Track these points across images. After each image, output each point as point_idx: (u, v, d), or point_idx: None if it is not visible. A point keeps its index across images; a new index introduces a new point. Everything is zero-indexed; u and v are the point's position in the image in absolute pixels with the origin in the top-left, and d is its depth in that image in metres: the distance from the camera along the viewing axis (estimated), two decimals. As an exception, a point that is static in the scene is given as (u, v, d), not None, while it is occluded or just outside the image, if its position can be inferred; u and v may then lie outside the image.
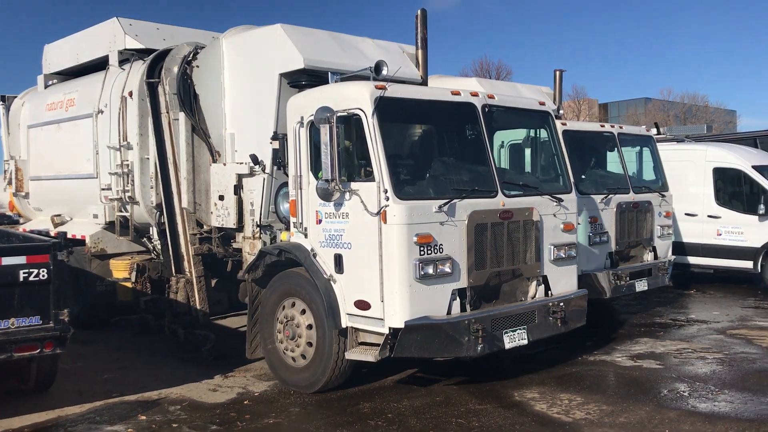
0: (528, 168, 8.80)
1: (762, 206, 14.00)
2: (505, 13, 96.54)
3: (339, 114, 6.95)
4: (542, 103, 8.59)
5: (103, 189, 10.83)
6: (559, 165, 8.63)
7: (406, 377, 8.30)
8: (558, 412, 7.08)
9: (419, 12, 8.88)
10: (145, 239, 10.95)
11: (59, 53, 12.68)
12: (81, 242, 11.43)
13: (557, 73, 11.90)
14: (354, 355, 7.27)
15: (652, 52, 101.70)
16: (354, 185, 7.10)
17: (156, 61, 9.84)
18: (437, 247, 7.03)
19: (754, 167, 14.66)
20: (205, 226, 9.49)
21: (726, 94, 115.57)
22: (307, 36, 8.54)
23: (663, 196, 11.84)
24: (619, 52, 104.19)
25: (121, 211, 10.67)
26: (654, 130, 13.23)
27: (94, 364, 9.16)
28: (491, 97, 7.93)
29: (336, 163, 6.92)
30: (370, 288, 7.03)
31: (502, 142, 9.66)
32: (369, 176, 7.03)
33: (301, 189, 7.71)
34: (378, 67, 7.43)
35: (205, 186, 9.46)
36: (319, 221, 7.53)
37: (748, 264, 14.25)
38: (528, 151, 8.59)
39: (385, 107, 7.01)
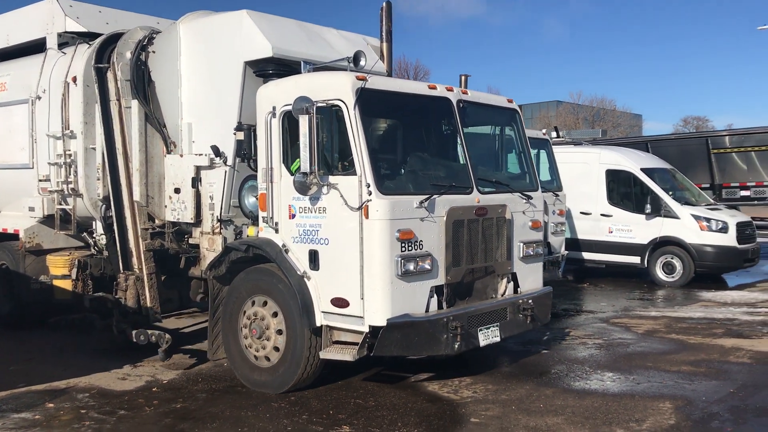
0: (493, 165, 8.74)
1: (648, 206, 15.10)
2: (424, 13, 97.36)
3: (318, 105, 6.70)
4: (510, 101, 8.57)
5: (41, 180, 10.16)
6: (525, 163, 8.64)
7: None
8: (448, 391, 7.56)
9: (384, 5, 8.68)
10: (85, 234, 10.33)
11: (-14, 34, 11.83)
12: (13, 237, 10.73)
13: (462, 78, 11.18)
14: (329, 354, 7.03)
15: (565, 56, 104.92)
16: (333, 179, 6.87)
17: (105, 45, 9.28)
18: (417, 244, 6.88)
19: (642, 170, 15.74)
20: (157, 221, 9.02)
21: (632, 98, 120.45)
22: (274, 24, 8.23)
23: (557, 195, 12.66)
24: (532, 55, 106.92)
25: (61, 204, 10.03)
26: (554, 133, 14.09)
27: (-1, 357, 8.83)
28: (464, 92, 7.84)
29: (315, 155, 6.67)
30: (348, 285, 6.81)
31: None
32: (349, 170, 6.81)
33: (272, 182, 7.41)
34: (356, 57, 7.23)
35: (158, 178, 8.98)
36: (293, 216, 7.25)
37: (636, 259, 15.41)
38: (495, 148, 8.53)
39: (366, 99, 6.81)
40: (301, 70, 7.90)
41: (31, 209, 10.28)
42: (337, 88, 6.84)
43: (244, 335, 7.68)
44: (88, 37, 10.42)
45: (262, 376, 7.55)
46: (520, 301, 7.94)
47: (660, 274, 15.19)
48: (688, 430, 6.37)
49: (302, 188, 6.82)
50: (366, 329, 6.75)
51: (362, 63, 7.25)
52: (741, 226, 15.02)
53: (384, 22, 8.84)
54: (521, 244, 8.13)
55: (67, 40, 10.47)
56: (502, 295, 7.93)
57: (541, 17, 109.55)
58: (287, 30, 8.32)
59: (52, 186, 10.06)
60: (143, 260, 9.01)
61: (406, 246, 6.77)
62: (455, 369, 8.29)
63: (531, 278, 8.36)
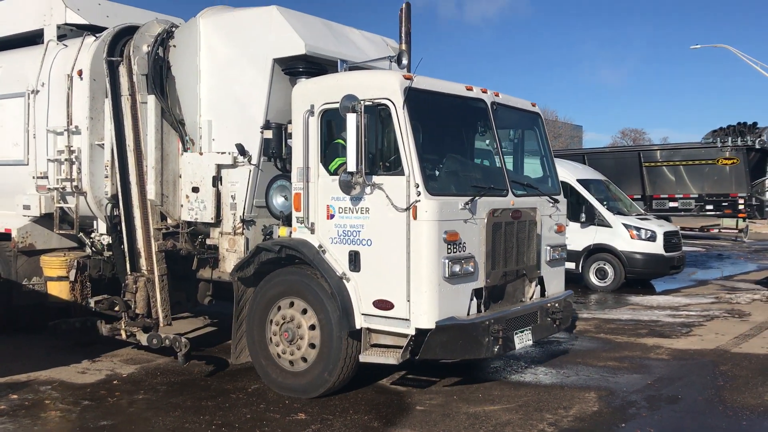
0: (521, 168, 8.74)
1: (583, 215, 15.66)
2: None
3: (366, 103, 6.58)
4: (533, 105, 8.60)
5: (39, 177, 9.73)
6: (548, 166, 8.67)
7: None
8: (394, 383, 7.92)
9: (404, 6, 8.56)
10: (81, 234, 9.93)
11: (-29, 25, 11.31)
12: (4, 236, 10.25)
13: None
14: (370, 357, 6.90)
15: (508, 65, 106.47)
16: (377, 179, 6.75)
17: (116, 38, 8.96)
18: (461, 246, 6.83)
19: (578, 180, 16.28)
20: (170, 221, 8.73)
21: (573, 110, 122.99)
22: (303, 21, 8.08)
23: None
24: (471, 62, 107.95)
25: (60, 203, 9.63)
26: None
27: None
28: (497, 95, 7.82)
29: (361, 154, 6.54)
30: (393, 287, 6.70)
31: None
32: (395, 170, 6.71)
33: (308, 182, 7.24)
34: (400, 57, 7.15)
35: (173, 176, 8.70)
36: (331, 216, 7.10)
37: (572, 265, 15.61)
38: (521, 151, 8.54)
39: (412, 98, 6.72)
40: (328, 70, 7.85)
41: (26, 207, 9.84)
42: (385, 87, 6.74)
43: (274, 339, 7.47)
44: (87, 30, 10.07)
45: (293, 380, 7.37)
46: (548, 304, 7.96)
47: (593, 279, 15.78)
48: (608, 416, 6.99)
49: (347, 188, 6.68)
50: (411, 332, 6.65)
51: (404, 62, 7.17)
52: (668, 236, 15.70)
53: (403, 24, 8.72)
54: (548, 248, 8.16)
55: (65, 33, 10.09)
56: (531, 299, 7.92)
57: (487, 26, 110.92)
58: (316, 28, 8.18)
59: (50, 183, 9.65)
60: (155, 261, 8.71)
61: (452, 248, 6.71)
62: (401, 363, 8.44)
63: (555, 282, 8.40)
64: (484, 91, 7.63)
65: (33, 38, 10.73)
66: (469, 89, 7.47)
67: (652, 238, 15.40)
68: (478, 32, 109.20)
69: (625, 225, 15.53)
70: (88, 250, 9.99)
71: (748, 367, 8.79)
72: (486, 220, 7.06)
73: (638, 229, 15.49)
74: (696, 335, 10.88)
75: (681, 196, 23.72)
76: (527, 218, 7.70)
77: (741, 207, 22.72)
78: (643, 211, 17.95)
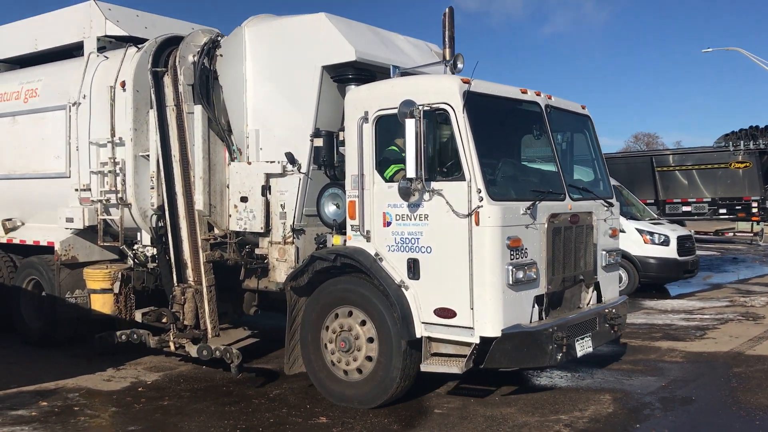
0: (569, 172, 8.59)
1: None
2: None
3: (426, 109, 6.47)
4: (583, 107, 8.46)
5: (81, 190, 9.69)
6: (599, 169, 8.52)
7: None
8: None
9: (447, 10, 8.46)
10: (123, 246, 9.87)
11: (8, 39, 11.33)
12: (46, 249, 10.23)
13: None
14: (432, 367, 6.78)
15: (522, 68, 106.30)
16: (436, 185, 6.64)
17: (161, 48, 8.92)
18: (523, 252, 6.70)
19: None
20: (218, 231, 8.65)
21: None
22: (351, 27, 8.00)
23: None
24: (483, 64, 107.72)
25: (103, 215, 9.58)
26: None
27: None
28: (549, 98, 7.70)
29: (421, 160, 6.43)
30: (455, 295, 6.58)
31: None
32: (454, 175, 6.59)
33: (363, 189, 7.14)
34: (455, 61, 7.04)
35: (220, 186, 8.63)
36: (388, 224, 6.99)
37: None
38: (574, 155, 8.38)
39: (471, 102, 6.61)
40: (377, 76, 7.76)
41: (69, 220, 9.79)
42: (443, 92, 6.63)
43: (329, 346, 7.37)
44: (126, 41, 10.05)
45: (350, 390, 7.25)
46: (606, 310, 7.80)
47: None
48: (623, 417, 7.06)
49: (406, 194, 6.57)
50: (475, 340, 6.52)
51: (460, 66, 7.07)
52: (681, 240, 15.50)
53: (447, 28, 8.62)
54: (604, 253, 8.00)
55: (104, 45, 10.07)
56: (588, 305, 7.77)
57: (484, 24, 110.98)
58: (363, 34, 8.10)
59: (93, 195, 9.61)
60: (203, 272, 8.63)
61: (515, 254, 6.58)
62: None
63: (611, 287, 8.24)
64: (538, 94, 7.51)
65: (70, 51, 10.75)
66: (524, 92, 7.35)
67: (666, 242, 15.20)
68: (480, 34, 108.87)
69: (639, 230, 15.27)
70: (130, 262, 9.93)
71: (762, 369, 8.79)
72: (546, 226, 6.93)
73: (651, 233, 15.27)
74: (710, 338, 10.85)
75: (694, 200, 23.63)
76: (584, 223, 7.56)
77: (755, 210, 22.58)
78: (656, 216, 17.70)
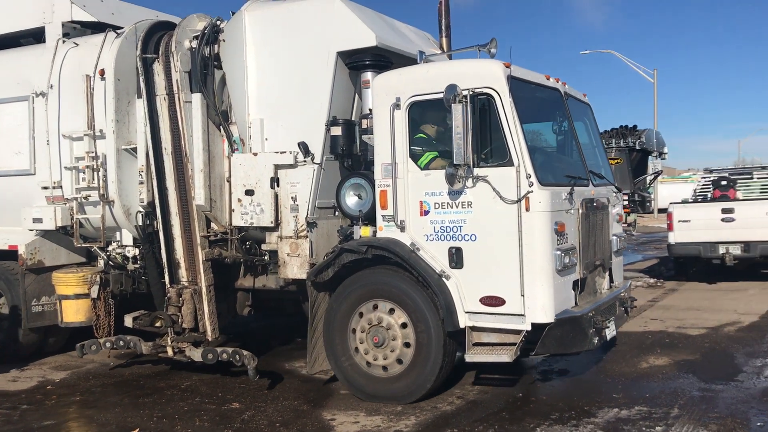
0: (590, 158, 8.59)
1: None
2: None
3: (470, 93, 6.34)
4: (584, 95, 8.57)
5: (53, 188, 8.93)
6: (602, 156, 8.65)
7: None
8: (319, 373, 7.91)
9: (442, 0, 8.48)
10: (95, 248, 9.19)
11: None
12: (5, 254, 9.37)
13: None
14: (479, 357, 6.65)
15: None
16: (480, 171, 6.51)
17: (148, 34, 8.34)
18: (565, 237, 6.68)
19: None
20: (217, 227, 8.18)
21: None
22: (365, 13, 7.75)
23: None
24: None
25: (78, 214, 8.87)
26: None
27: None
28: (564, 84, 7.74)
29: (469, 146, 6.30)
30: (504, 282, 6.48)
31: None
32: (500, 161, 6.49)
33: (396, 178, 6.92)
34: (490, 45, 6.95)
35: (219, 180, 8.16)
36: (425, 213, 6.81)
37: None
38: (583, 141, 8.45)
39: (512, 87, 6.53)
40: (393, 62, 7.58)
41: (38, 221, 8.98)
42: (485, 76, 6.52)
43: (361, 348, 7.09)
44: (92, 27, 9.38)
45: (384, 386, 7.02)
46: (622, 294, 7.93)
47: None
48: (510, 386, 7.64)
49: (452, 181, 6.41)
50: (527, 327, 6.44)
51: (493, 51, 6.98)
52: None
53: (443, 17, 8.61)
54: (615, 238, 8.12)
55: (68, 31, 9.34)
56: (606, 290, 7.86)
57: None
58: (375, 19, 7.87)
59: (66, 193, 8.88)
60: (202, 271, 8.16)
61: (561, 239, 6.56)
62: None
63: (619, 272, 8.38)
64: (557, 80, 7.53)
65: (17, 38, 9.92)
66: (548, 78, 7.34)
67: None
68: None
69: None
70: (101, 264, 9.26)
71: (627, 342, 9.46)
72: (581, 211, 6.95)
73: None
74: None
75: None
76: (603, 208, 7.64)
77: (626, 203, 23.83)
78: None
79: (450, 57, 8.28)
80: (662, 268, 18.05)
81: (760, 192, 16.34)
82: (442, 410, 6.77)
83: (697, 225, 14.59)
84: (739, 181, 16.47)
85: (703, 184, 17.30)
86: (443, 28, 8.64)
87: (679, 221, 14.77)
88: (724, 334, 9.98)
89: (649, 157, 22.96)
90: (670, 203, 15.50)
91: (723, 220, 14.41)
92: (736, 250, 14.28)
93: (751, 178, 16.74)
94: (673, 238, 14.73)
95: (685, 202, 16.18)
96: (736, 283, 14.83)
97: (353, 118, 7.79)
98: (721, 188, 16.03)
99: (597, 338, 6.87)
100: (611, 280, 8.08)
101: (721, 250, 14.35)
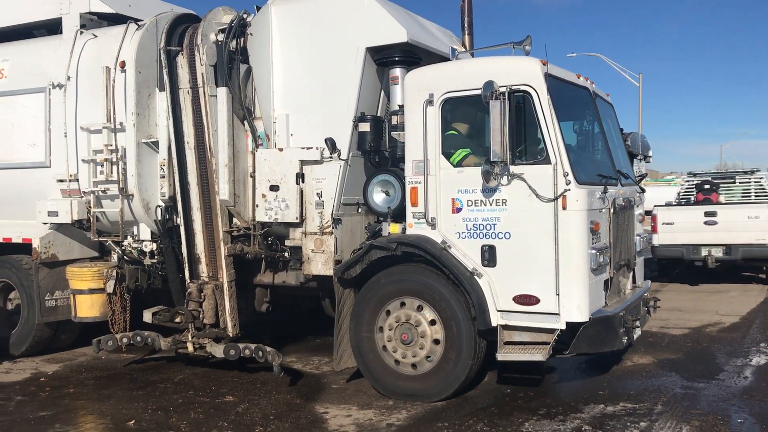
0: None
1: None
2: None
3: (508, 90, 6.30)
4: (607, 95, 8.56)
5: (69, 181, 8.81)
6: (623, 156, 8.64)
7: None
8: (311, 368, 8.43)
9: None
10: (110, 242, 9.08)
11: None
12: (18, 247, 9.25)
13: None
14: (512, 356, 6.60)
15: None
16: (516, 168, 6.48)
17: (173, 26, 8.25)
18: (599, 236, 6.67)
19: None
20: (240, 222, 8.10)
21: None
22: (395, 8, 7.71)
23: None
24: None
25: (96, 207, 8.76)
26: None
27: None
28: (591, 83, 7.73)
29: (506, 143, 6.27)
30: (539, 281, 6.45)
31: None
32: (537, 158, 6.47)
33: (428, 175, 6.87)
34: (525, 43, 6.92)
35: (242, 175, 8.08)
36: (458, 210, 6.77)
37: None
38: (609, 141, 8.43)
39: (550, 85, 6.51)
40: (423, 59, 7.55)
41: (53, 214, 8.86)
42: (522, 74, 6.48)
43: (389, 346, 7.05)
44: (109, 19, 9.29)
45: (413, 384, 6.98)
46: (646, 294, 7.93)
47: None
48: None
49: (488, 178, 6.37)
50: (561, 326, 6.42)
51: (528, 48, 6.95)
52: None
53: (466, 15, 8.60)
54: (638, 238, 8.13)
55: (85, 23, 9.22)
56: (630, 290, 7.86)
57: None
58: (404, 15, 7.82)
59: (83, 186, 8.77)
60: (223, 266, 8.08)
61: (595, 238, 6.55)
62: (312, 351, 9.33)
63: (641, 272, 8.39)
64: (587, 79, 7.52)
65: (30, 29, 9.80)
66: (578, 77, 7.33)
67: None
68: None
69: None
70: (114, 259, 9.16)
71: None
72: (611, 210, 6.94)
73: None
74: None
75: None
76: (629, 207, 7.64)
77: None
78: None
79: (472, 55, 8.27)
80: (645, 270, 18.06)
81: (742, 196, 16.57)
82: (432, 405, 6.83)
83: (681, 227, 14.75)
84: (721, 185, 16.67)
85: (687, 188, 17.46)
86: (466, 26, 8.62)
87: (662, 224, 14.91)
88: (706, 334, 10.13)
89: (634, 160, 23.20)
90: (654, 206, 15.59)
91: (706, 223, 14.58)
92: (718, 253, 14.48)
93: (734, 182, 16.96)
94: (657, 240, 14.82)
95: (668, 204, 16.28)
96: (717, 285, 15.06)
97: (379, 114, 7.74)
98: (704, 192, 16.21)
99: (626, 338, 6.87)
100: (633, 280, 8.07)
101: (704, 252, 14.55)
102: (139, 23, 8.60)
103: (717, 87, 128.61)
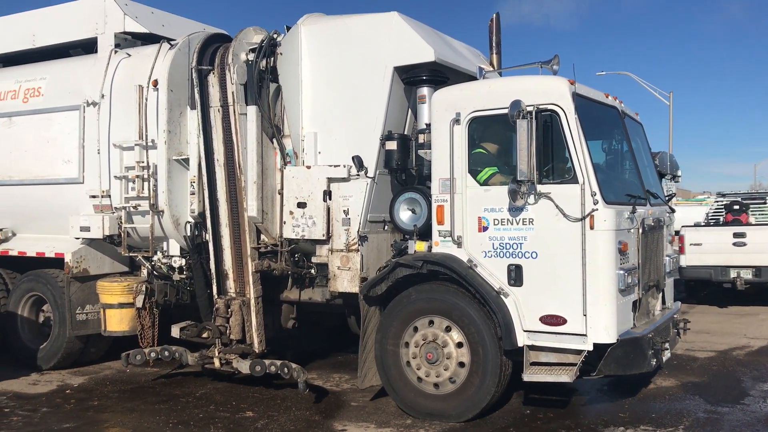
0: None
1: None
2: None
3: (535, 110, 6.30)
4: (636, 114, 8.51)
5: (101, 196, 8.96)
6: (653, 176, 8.56)
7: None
8: (331, 385, 8.51)
9: (494, 16, 8.50)
10: (140, 258, 9.20)
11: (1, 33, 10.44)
12: (51, 262, 9.40)
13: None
14: (539, 376, 6.54)
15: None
16: (543, 188, 6.46)
17: (204, 46, 8.39)
18: (627, 256, 6.61)
19: None
20: (267, 239, 8.17)
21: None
22: (423, 28, 7.76)
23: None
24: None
25: (128, 223, 8.89)
26: None
27: None
28: (620, 103, 7.69)
29: (533, 162, 6.25)
30: (566, 301, 6.40)
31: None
32: (564, 178, 6.44)
33: (454, 193, 6.88)
34: (552, 62, 6.92)
35: (271, 192, 8.16)
36: (484, 229, 6.75)
37: None
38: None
39: (577, 104, 6.49)
40: (450, 78, 7.58)
41: (85, 229, 9.01)
42: (550, 93, 6.48)
43: (413, 363, 7.03)
44: (143, 39, 9.47)
45: (436, 403, 6.94)
46: (675, 316, 7.83)
47: None
48: None
49: (515, 197, 6.36)
50: (588, 347, 6.35)
51: (556, 67, 6.95)
52: None
53: (494, 34, 8.60)
54: (668, 259, 8.03)
55: (119, 42, 9.41)
56: (659, 311, 7.76)
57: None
58: (432, 35, 7.87)
59: (114, 202, 8.91)
60: (251, 282, 8.14)
61: (623, 259, 6.49)
62: (333, 368, 9.39)
63: (670, 293, 8.27)
64: (615, 98, 7.49)
65: (66, 49, 10.02)
66: (606, 96, 7.31)
67: None
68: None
69: None
70: (144, 274, 9.26)
71: None
72: (640, 230, 6.88)
73: None
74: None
75: None
76: (659, 228, 7.57)
77: None
78: None
79: (500, 74, 8.28)
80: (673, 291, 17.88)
81: None
82: (450, 425, 6.79)
83: (709, 248, 14.50)
84: (751, 205, 16.39)
85: (716, 208, 17.22)
86: (494, 45, 8.62)
87: (690, 244, 14.68)
88: (733, 357, 9.90)
89: (663, 179, 22.91)
90: (682, 226, 15.36)
91: (734, 244, 14.31)
92: (747, 275, 14.20)
93: (764, 203, 16.69)
94: (685, 261, 14.58)
95: (697, 225, 16.06)
96: (746, 307, 14.77)
97: (406, 133, 7.77)
98: (734, 212, 15.92)
99: (654, 360, 6.78)
100: (663, 302, 7.97)
101: (732, 274, 14.28)
102: (172, 43, 8.74)
103: (750, 106, 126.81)
